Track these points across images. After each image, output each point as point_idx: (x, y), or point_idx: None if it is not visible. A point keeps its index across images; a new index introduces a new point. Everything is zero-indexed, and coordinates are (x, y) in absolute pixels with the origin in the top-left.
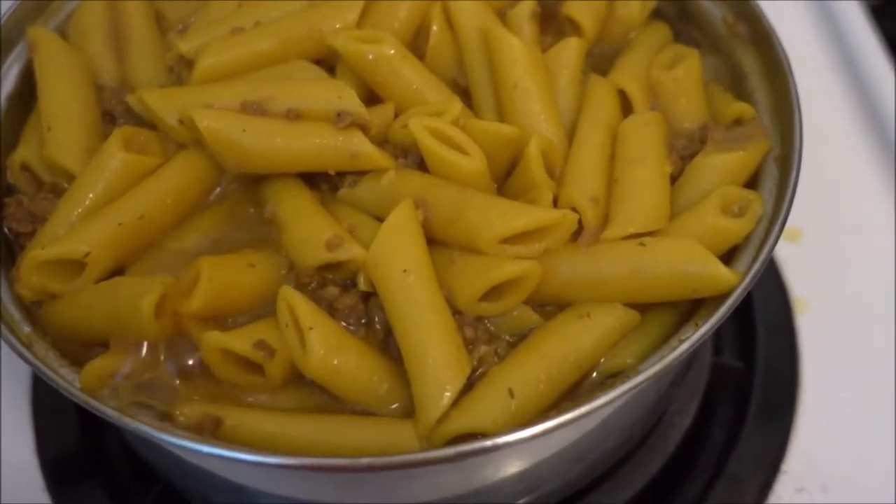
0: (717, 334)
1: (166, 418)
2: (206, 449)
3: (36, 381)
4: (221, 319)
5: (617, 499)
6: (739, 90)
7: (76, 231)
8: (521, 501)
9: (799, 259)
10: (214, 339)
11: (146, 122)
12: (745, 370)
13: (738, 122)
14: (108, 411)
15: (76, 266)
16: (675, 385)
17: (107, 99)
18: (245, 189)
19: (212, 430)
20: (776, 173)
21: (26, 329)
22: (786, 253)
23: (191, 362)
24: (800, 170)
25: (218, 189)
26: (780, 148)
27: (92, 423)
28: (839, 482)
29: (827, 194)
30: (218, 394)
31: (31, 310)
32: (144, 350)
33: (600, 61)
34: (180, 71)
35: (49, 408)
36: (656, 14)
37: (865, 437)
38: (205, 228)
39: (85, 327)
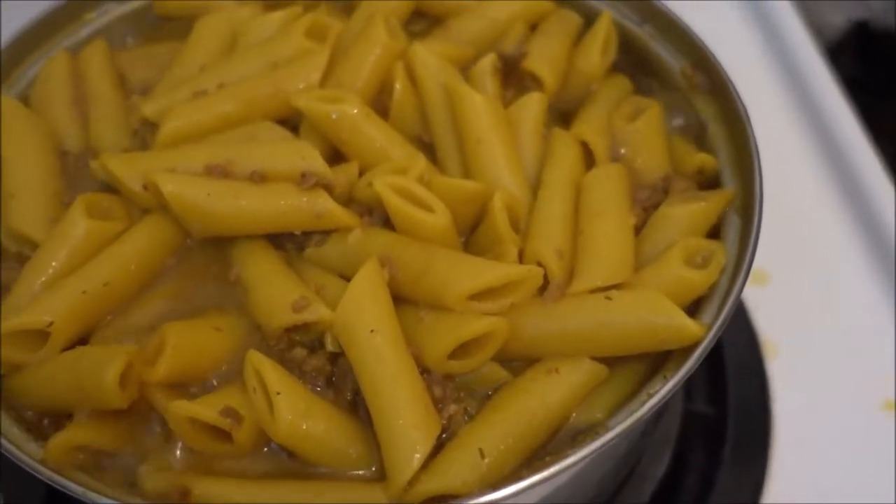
0: (688, 381)
1: (133, 490)
2: None
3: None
4: (187, 385)
5: None
6: (700, 140)
7: (39, 301)
8: None
9: (767, 302)
10: (181, 407)
11: (111, 186)
12: (716, 416)
13: (700, 171)
14: (74, 487)
15: (40, 336)
16: (647, 435)
17: (70, 164)
18: (210, 251)
19: (179, 501)
20: (738, 223)
21: None
22: (754, 297)
23: (157, 431)
24: (761, 219)
25: (184, 249)
26: (742, 197)
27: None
28: None
29: (792, 237)
30: (185, 462)
31: None
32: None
33: (562, 115)
34: (144, 134)
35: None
36: (616, 67)
37: (839, 479)
38: (170, 293)
39: (49, 398)
